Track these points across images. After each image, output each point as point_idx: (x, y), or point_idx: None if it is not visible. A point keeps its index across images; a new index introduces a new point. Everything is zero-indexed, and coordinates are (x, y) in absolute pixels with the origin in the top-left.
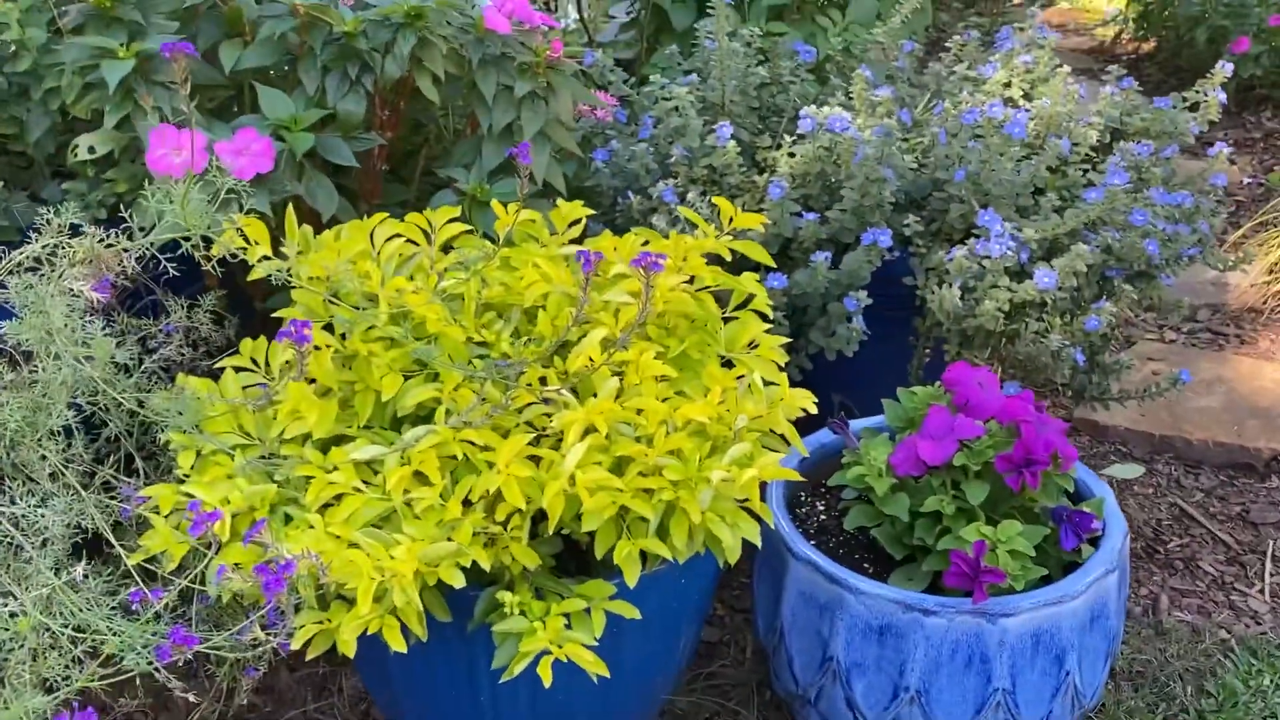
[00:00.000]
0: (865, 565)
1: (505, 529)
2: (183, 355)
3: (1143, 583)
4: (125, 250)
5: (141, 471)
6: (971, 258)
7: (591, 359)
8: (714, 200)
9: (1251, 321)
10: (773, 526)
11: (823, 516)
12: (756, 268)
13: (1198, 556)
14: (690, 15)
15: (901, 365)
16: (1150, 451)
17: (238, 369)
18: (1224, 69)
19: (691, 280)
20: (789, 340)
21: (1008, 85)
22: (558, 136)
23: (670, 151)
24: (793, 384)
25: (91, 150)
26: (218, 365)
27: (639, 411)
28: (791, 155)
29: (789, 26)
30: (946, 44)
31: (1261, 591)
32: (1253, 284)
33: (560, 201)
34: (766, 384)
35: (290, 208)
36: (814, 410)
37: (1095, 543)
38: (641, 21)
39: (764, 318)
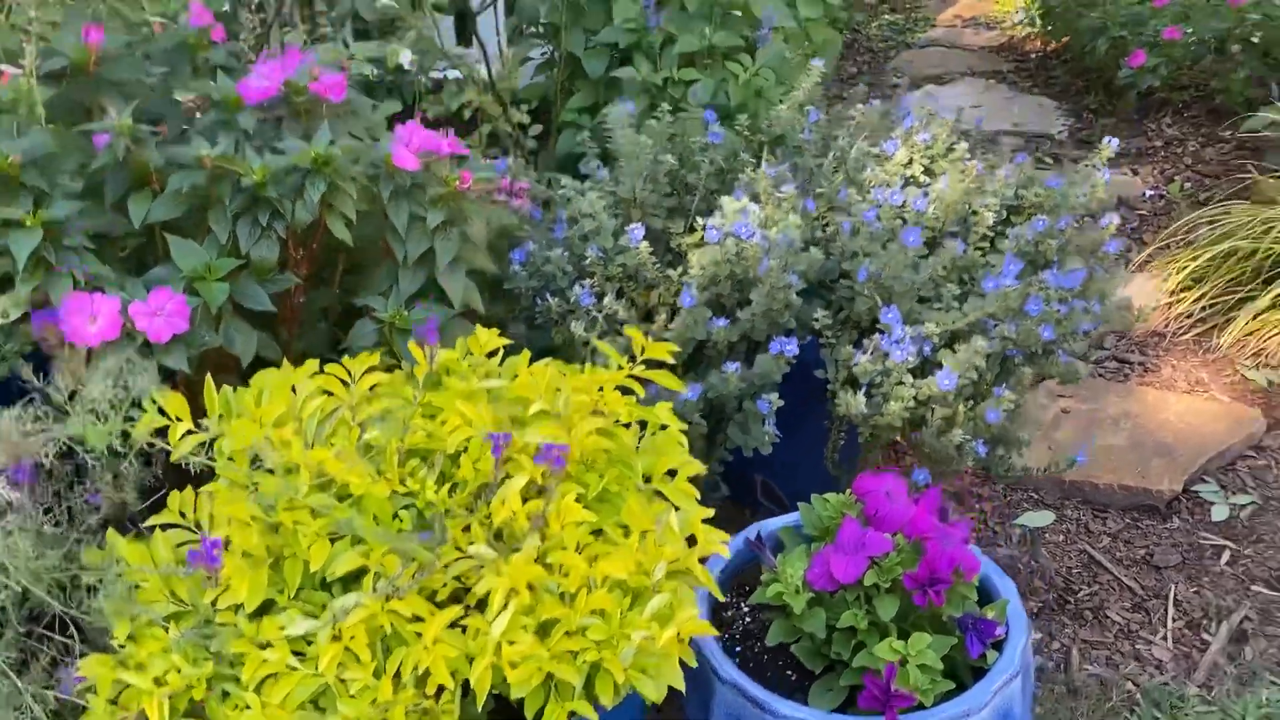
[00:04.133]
0: (789, 673)
1: (437, 702)
2: (115, 501)
3: (1055, 636)
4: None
5: (76, 638)
6: (876, 358)
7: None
8: (627, 330)
9: (1155, 346)
10: (694, 665)
11: (748, 620)
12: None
13: (1106, 605)
14: (603, 63)
15: (821, 445)
16: (1060, 497)
17: (166, 526)
18: (1109, 144)
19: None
20: (708, 434)
21: (909, 164)
22: (474, 259)
23: (585, 252)
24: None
25: (6, 314)
26: (147, 525)
27: (561, 568)
28: (702, 244)
29: (700, 73)
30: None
31: (1165, 638)
32: (1156, 307)
33: (479, 329)
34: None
35: (209, 378)
36: (725, 553)
37: (1000, 645)
38: (556, 65)
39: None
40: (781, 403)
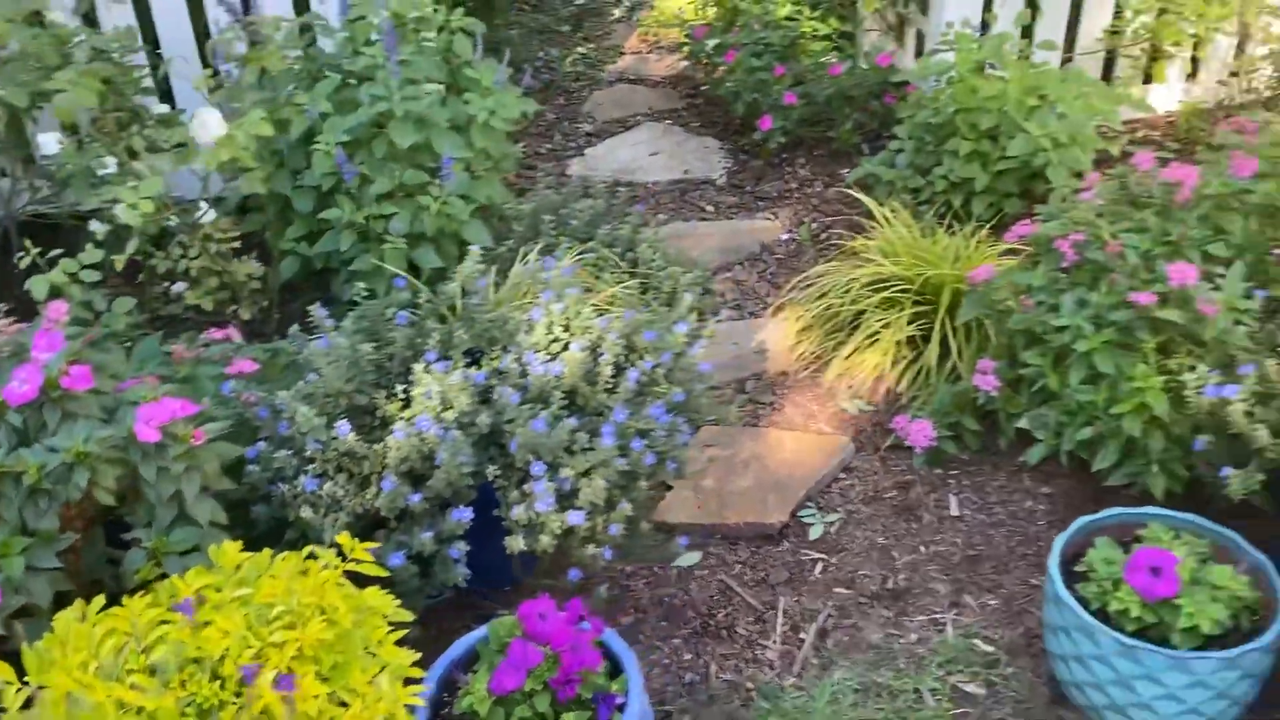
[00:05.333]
0: None
1: None
2: None
3: (699, 654)
4: None
5: None
6: (528, 510)
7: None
8: (338, 539)
9: (782, 386)
10: None
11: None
12: None
13: (736, 622)
14: (311, 201)
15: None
16: (705, 537)
17: None
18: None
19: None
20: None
21: (549, 329)
22: (214, 484)
23: (305, 445)
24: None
25: None
26: None
27: None
28: (407, 406)
29: (397, 207)
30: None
31: (776, 643)
32: (785, 349)
33: (225, 545)
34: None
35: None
36: (420, 703)
37: (623, 708)
38: (266, 202)
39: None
40: (469, 548)
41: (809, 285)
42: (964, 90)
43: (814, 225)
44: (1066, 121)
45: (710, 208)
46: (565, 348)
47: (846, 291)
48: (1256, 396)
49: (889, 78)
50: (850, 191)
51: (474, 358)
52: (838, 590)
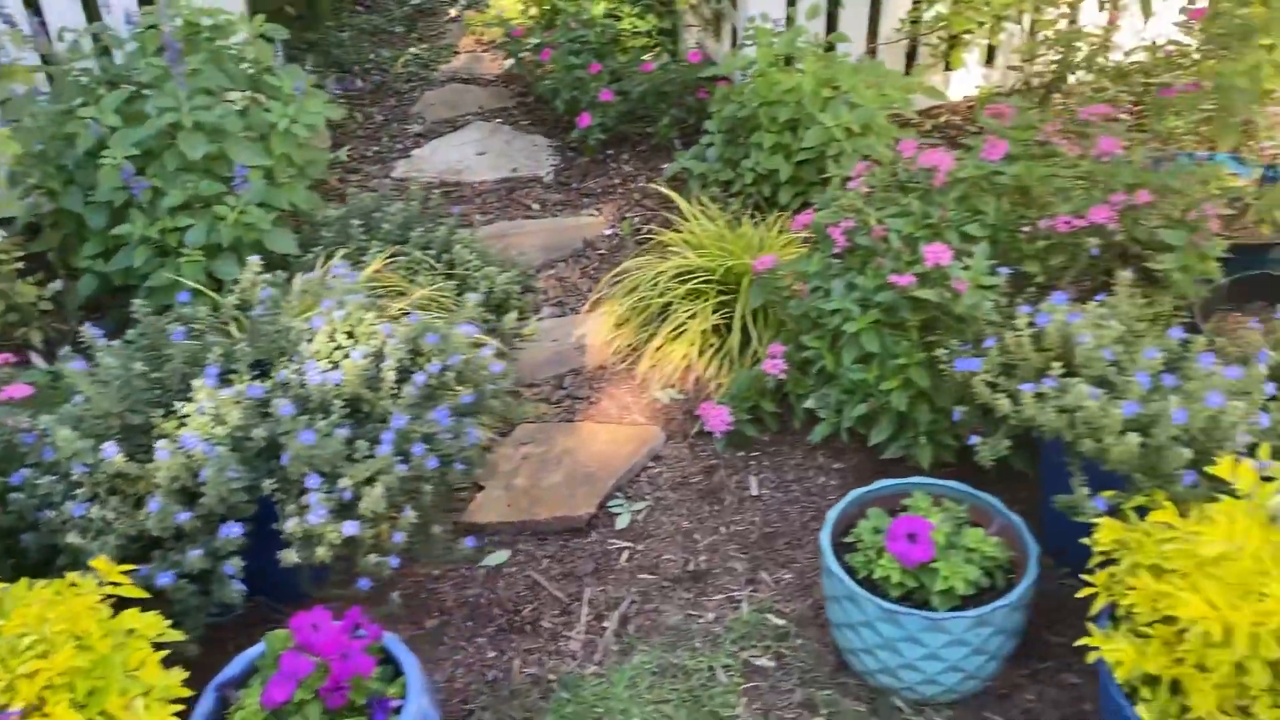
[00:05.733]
0: None
1: None
2: None
3: (504, 651)
4: None
5: None
6: (300, 524)
7: None
8: (93, 563)
9: (600, 380)
10: None
11: None
12: None
13: (541, 617)
14: (104, 217)
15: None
16: (515, 535)
17: None
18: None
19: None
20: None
21: (332, 337)
22: None
23: (72, 469)
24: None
25: None
26: None
27: None
28: (183, 424)
29: (192, 218)
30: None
31: (580, 633)
32: (603, 343)
33: None
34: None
35: None
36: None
37: (400, 710)
38: (59, 219)
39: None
40: (243, 576)
41: (620, 280)
42: (765, 83)
43: (635, 220)
44: (859, 111)
45: (536, 205)
46: (348, 355)
47: (654, 285)
48: (1001, 368)
49: (699, 73)
50: (660, 187)
51: (264, 370)
52: (642, 576)
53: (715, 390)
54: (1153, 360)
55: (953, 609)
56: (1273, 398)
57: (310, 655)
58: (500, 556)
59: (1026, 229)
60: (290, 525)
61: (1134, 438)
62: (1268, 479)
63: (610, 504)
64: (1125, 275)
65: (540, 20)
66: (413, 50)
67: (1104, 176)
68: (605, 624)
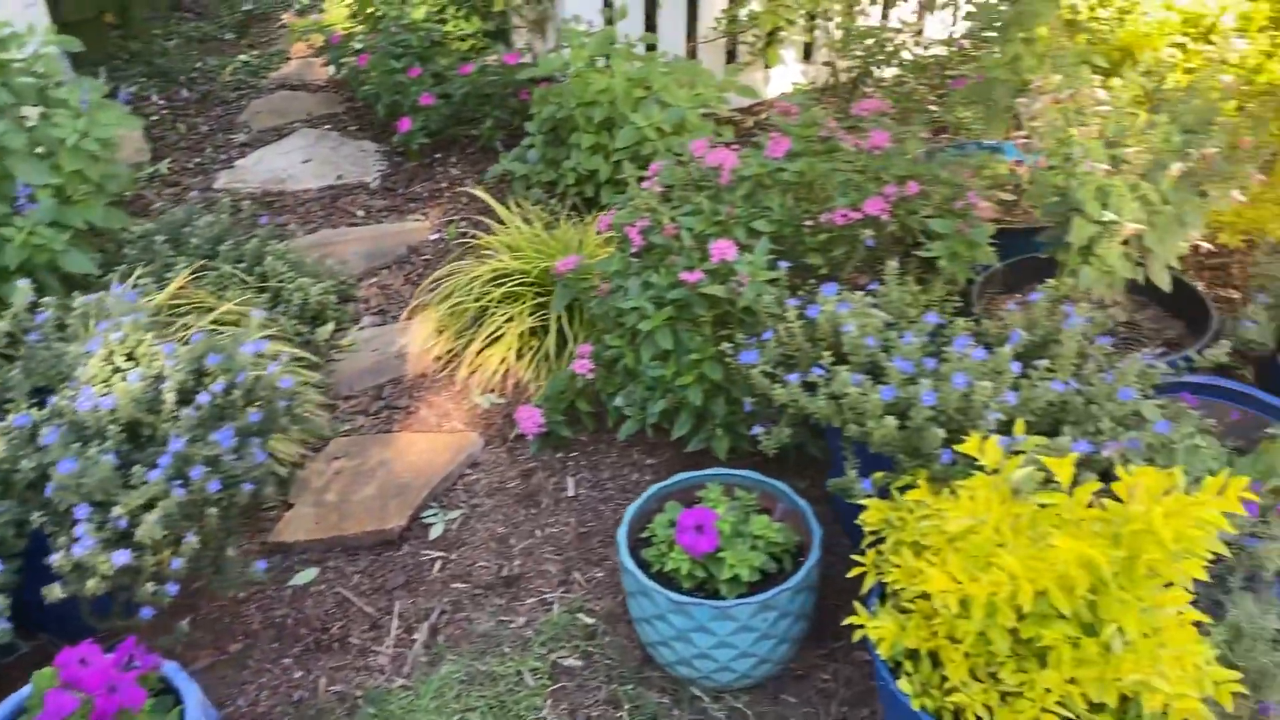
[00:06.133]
0: None
1: None
2: None
3: (310, 670)
4: None
5: None
6: (68, 558)
7: None
8: None
9: (420, 388)
10: None
11: None
12: None
13: (350, 633)
14: None
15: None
16: (325, 552)
17: None
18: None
19: None
20: None
21: (109, 360)
22: None
23: None
24: None
25: None
26: None
27: None
28: None
29: None
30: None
31: (389, 647)
32: (423, 350)
33: None
34: None
35: None
36: None
37: None
38: None
39: None
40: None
41: (436, 286)
42: (580, 84)
43: (461, 224)
44: (671, 111)
45: (361, 212)
46: (125, 379)
47: (469, 290)
48: (782, 359)
49: (517, 75)
50: (478, 191)
51: (43, 399)
52: (455, 585)
53: (535, 393)
54: (909, 345)
55: (741, 596)
56: (1024, 375)
57: (76, 691)
58: (309, 575)
59: (809, 223)
60: (57, 558)
61: (892, 420)
62: (1019, 453)
63: (424, 514)
64: (892, 265)
65: (365, 25)
66: (243, 58)
67: (877, 170)
68: (415, 636)
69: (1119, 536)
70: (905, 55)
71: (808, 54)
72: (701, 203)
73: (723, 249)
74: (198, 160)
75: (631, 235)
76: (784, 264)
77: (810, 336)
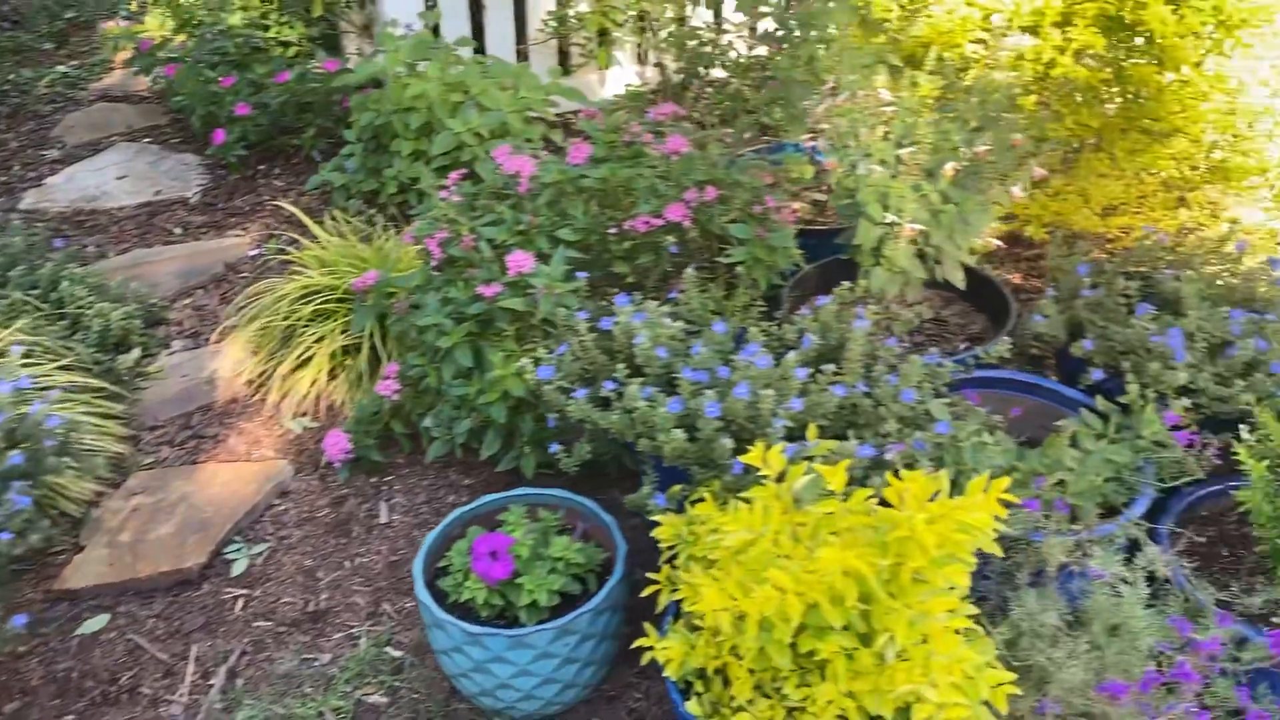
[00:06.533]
0: None
1: None
2: None
3: None
4: None
5: None
6: None
7: None
8: None
9: (230, 415)
10: None
11: None
12: None
13: (141, 682)
14: None
15: None
16: (118, 596)
17: None
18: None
19: None
20: None
21: None
22: None
23: None
24: None
25: None
26: None
27: None
28: None
29: None
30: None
31: (183, 695)
32: (235, 374)
33: None
34: None
35: None
36: None
37: None
38: None
39: None
40: None
41: (244, 306)
42: (397, 89)
43: (282, 238)
44: (490, 115)
45: (179, 229)
46: None
47: (277, 309)
48: (581, 373)
49: (334, 82)
50: (285, 204)
51: None
52: (257, 624)
53: (350, 415)
54: (699, 356)
55: (541, 622)
56: (810, 380)
57: None
58: (98, 622)
59: (615, 231)
60: None
61: (679, 433)
62: (809, 458)
63: (227, 550)
64: (690, 273)
65: (183, 31)
66: (61, 69)
67: (679, 175)
68: (211, 681)
69: (886, 544)
70: (731, 55)
71: (643, 57)
72: (503, 212)
73: (519, 261)
74: (3, 180)
75: (431, 247)
76: (585, 275)
77: (607, 349)
